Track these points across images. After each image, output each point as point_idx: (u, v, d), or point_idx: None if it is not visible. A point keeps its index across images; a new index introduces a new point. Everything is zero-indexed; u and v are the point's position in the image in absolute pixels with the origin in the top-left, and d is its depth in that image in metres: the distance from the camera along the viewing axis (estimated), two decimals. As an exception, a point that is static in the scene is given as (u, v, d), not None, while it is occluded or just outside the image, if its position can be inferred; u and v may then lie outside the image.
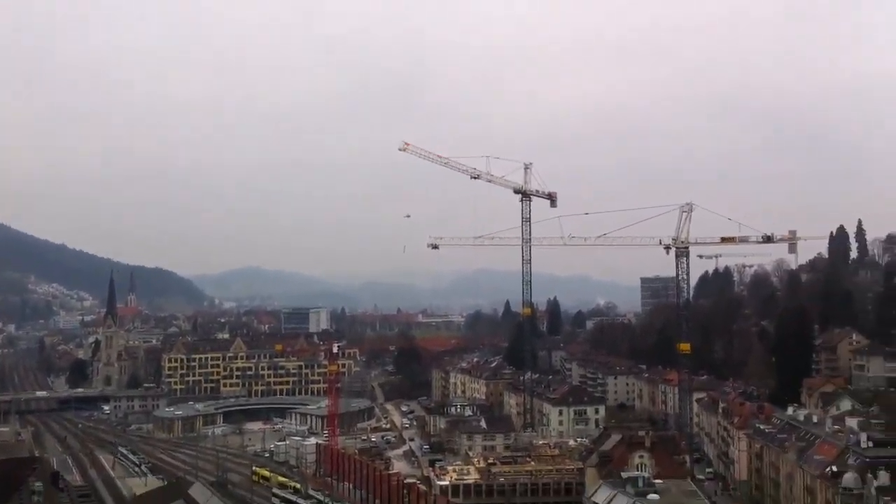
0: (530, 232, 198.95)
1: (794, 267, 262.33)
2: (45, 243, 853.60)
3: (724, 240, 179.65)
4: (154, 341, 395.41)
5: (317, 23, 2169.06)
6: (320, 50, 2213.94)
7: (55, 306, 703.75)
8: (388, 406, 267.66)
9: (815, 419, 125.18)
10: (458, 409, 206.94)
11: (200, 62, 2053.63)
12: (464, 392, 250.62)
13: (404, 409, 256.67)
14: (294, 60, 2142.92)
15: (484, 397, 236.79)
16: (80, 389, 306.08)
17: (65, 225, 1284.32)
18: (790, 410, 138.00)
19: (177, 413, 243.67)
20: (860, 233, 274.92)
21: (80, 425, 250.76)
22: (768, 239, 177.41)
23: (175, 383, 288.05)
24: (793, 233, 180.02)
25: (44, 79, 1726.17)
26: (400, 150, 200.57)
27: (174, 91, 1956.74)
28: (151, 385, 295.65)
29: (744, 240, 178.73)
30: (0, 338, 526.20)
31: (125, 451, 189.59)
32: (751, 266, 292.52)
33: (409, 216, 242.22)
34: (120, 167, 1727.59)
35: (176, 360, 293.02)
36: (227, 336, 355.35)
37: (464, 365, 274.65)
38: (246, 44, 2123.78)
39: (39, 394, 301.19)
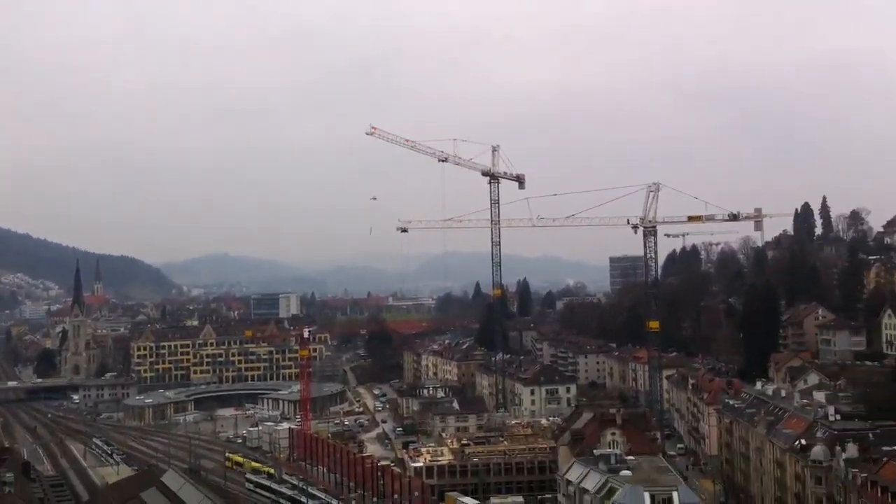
0: (499, 214, 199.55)
1: (760, 244, 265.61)
2: (8, 232, 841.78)
3: (690, 218, 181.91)
4: (122, 330, 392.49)
5: (283, 11, 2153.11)
6: (287, 38, 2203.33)
7: (20, 296, 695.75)
8: (361, 389, 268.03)
9: (783, 393, 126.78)
10: (431, 391, 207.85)
11: (165, 49, 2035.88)
12: (436, 374, 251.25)
13: (376, 392, 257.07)
14: (261, 48, 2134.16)
15: (456, 379, 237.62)
16: (48, 379, 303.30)
17: (28, 214, 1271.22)
18: (758, 385, 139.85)
19: (147, 401, 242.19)
20: (825, 209, 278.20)
21: (49, 415, 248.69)
22: (734, 217, 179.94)
23: (144, 371, 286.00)
24: (758, 210, 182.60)
25: (4, 69, 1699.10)
26: (367, 134, 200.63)
27: (137, 79, 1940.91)
28: (113, 374, 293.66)
29: (710, 218, 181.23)
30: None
31: (99, 442, 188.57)
32: (717, 244, 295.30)
33: (375, 198, 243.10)
34: (83, 156, 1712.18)
35: (145, 349, 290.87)
36: (196, 323, 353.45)
37: (435, 347, 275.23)
38: (213, 32, 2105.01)
39: (8, 384, 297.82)
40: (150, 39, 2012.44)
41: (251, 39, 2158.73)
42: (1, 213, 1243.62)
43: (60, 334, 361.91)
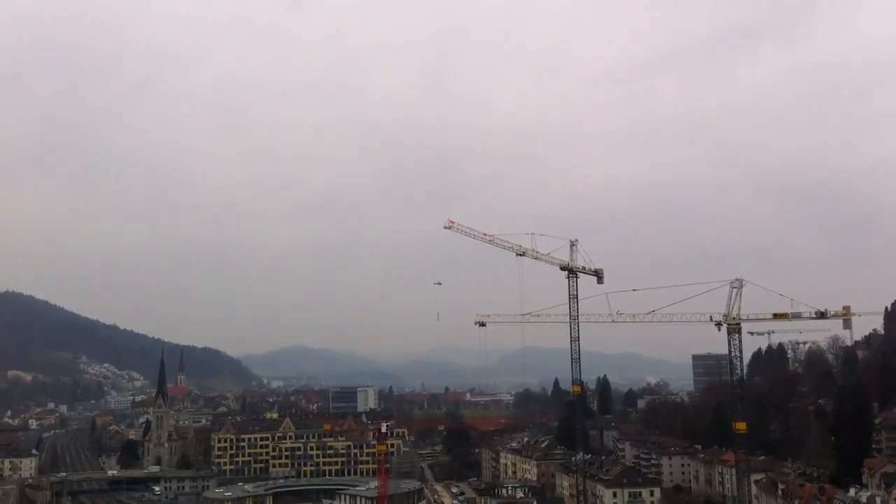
0: (578, 309, 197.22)
1: (849, 343, 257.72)
2: (96, 324, 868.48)
3: (776, 316, 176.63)
4: (203, 421, 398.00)
5: (358, 110, 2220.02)
6: (365, 133, 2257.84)
7: (106, 386, 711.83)
8: (438, 487, 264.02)
9: (878, 501, 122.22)
10: (510, 491, 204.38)
11: (243, 148, 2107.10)
12: (514, 473, 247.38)
13: (454, 490, 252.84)
14: (337, 146, 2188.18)
15: (535, 478, 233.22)
16: (130, 470, 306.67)
17: (115, 306, 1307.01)
18: (852, 492, 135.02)
19: (226, 494, 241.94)
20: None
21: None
22: (822, 315, 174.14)
23: (224, 464, 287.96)
24: (847, 308, 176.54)
25: (92, 167, 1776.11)
26: (445, 227, 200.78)
27: (219, 175, 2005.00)
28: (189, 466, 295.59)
29: (796, 316, 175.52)
30: (53, 418, 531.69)
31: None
32: (805, 343, 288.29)
33: (439, 283, 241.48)
34: (168, 250, 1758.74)
35: (225, 441, 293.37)
36: (275, 415, 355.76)
37: (514, 445, 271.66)
38: (288, 131, 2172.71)
39: (91, 474, 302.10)
40: (224, 142, 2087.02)
41: (327, 141, 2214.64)
42: (90, 306, 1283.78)
43: (144, 425, 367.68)
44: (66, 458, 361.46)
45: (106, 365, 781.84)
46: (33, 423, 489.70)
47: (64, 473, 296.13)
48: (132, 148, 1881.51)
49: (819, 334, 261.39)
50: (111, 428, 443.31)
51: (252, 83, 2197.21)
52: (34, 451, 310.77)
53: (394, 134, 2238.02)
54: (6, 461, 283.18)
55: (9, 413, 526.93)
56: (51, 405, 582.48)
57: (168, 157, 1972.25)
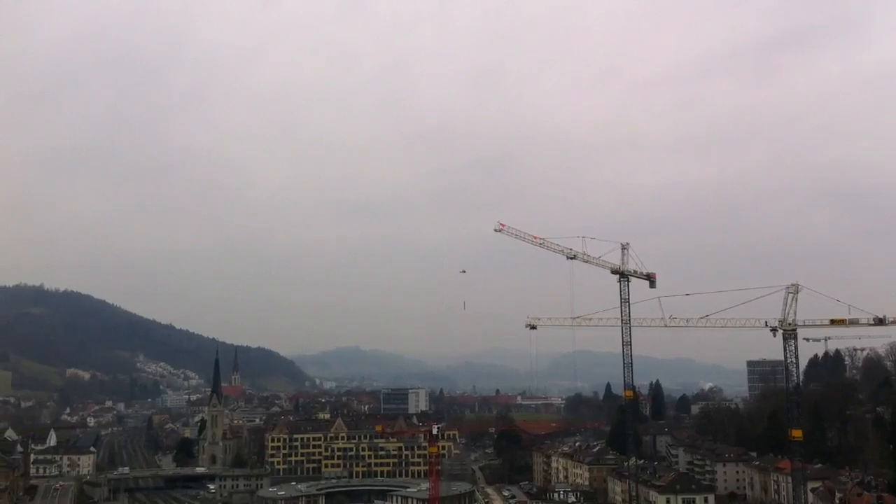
0: (629, 313, 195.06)
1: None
2: (153, 323, 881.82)
3: (833, 322, 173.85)
4: (257, 420, 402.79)
5: (409, 114, 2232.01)
6: (415, 137, 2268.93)
7: (162, 385, 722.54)
8: (489, 490, 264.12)
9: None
10: (562, 495, 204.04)
11: (295, 151, 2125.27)
12: (566, 477, 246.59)
13: (506, 493, 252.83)
14: (387, 149, 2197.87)
15: (587, 483, 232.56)
16: (186, 468, 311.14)
17: (172, 306, 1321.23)
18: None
19: (280, 493, 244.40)
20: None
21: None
22: (880, 321, 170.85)
23: (278, 463, 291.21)
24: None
25: (147, 170, 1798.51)
26: (495, 230, 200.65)
27: (272, 178, 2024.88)
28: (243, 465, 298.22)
29: (854, 322, 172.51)
30: (110, 416, 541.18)
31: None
32: (863, 349, 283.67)
33: (464, 271, 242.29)
34: (223, 252, 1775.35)
35: (279, 440, 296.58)
36: (327, 416, 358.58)
37: (565, 449, 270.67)
38: (339, 134, 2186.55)
39: (147, 472, 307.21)
40: (283, 143, 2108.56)
41: (381, 147, 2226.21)
42: (146, 306, 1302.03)
43: (199, 424, 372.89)
44: (123, 455, 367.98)
45: (162, 364, 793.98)
46: (91, 421, 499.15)
47: (125, 469, 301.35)
48: (186, 151, 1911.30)
49: (877, 341, 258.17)
50: (167, 426, 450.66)
51: (304, 87, 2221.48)
52: (92, 449, 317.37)
53: (444, 138, 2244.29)
54: (65, 458, 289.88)
55: (67, 410, 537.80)
56: (108, 403, 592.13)
57: (221, 159, 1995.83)
